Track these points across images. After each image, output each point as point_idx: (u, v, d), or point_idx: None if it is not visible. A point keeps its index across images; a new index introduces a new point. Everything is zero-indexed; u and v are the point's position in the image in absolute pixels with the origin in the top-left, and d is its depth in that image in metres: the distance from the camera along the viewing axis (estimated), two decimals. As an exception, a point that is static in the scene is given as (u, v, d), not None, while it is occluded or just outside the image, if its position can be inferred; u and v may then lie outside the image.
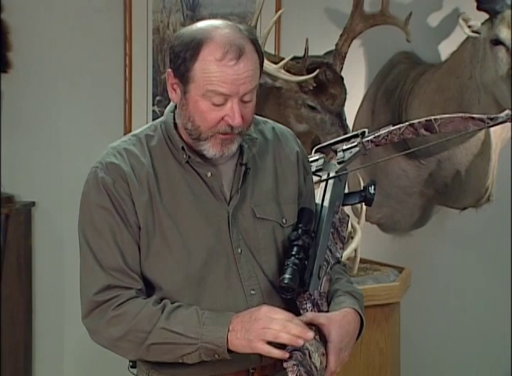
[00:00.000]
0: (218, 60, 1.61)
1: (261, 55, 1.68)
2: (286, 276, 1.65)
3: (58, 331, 2.95)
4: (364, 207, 2.87)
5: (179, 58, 1.64)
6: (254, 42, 1.66)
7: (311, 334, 1.58)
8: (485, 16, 2.93)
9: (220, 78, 1.61)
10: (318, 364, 1.60)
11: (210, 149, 1.67)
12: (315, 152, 1.94)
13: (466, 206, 3.38)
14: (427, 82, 3.15)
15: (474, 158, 3.22)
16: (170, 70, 1.68)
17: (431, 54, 3.36)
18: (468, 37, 2.97)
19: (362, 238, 2.86)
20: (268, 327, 1.58)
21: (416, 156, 3.23)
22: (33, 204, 2.86)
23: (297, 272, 1.66)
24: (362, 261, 2.96)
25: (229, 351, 1.61)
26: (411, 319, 3.22)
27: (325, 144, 1.95)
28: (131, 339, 1.64)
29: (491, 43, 2.88)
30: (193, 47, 1.62)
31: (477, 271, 3.66)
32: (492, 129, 3.15)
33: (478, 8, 2.94)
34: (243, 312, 1.63)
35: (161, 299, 1.67)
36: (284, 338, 1.57)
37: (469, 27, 2.91)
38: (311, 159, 1.90)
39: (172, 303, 1.66)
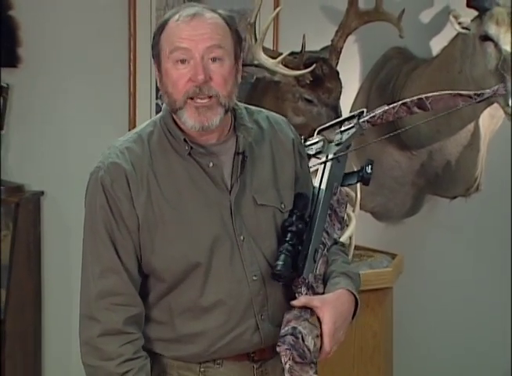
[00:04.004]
0: (175, 21, 1.67)
1: (234, 30, 1.71)
2: (279, 262, 1.67)
3: (66, 315, 2.92)
4: (359, 196, 2.89)
5: (153, 40, 1.72)
6: (225, 17, 1.70)
7: None
8: (475, 13, 2.97)
9: (177, 35, 1.66)
10: (311, 346, 1.62)
11: (188, 119, 1.69)
12: (318, 133, 1.94)
13: (456, 195, 3.41)
14: (419, 77, 3.17)
15: (463, 149, 3.24)
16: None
17: (423, 49, 3.38)
18: (458, 34, 3.01)
19: (357, 226, 2.87)
20: None
21: (408, 147, 3.26)
22: (42, 193, 2.86)
23: (290, 258, 1.68)
24: (357, 248, 2.98)
25: None
26: (403, 303, 3.23)
27: (327, 125, 1.95)
28: (88, 371, 1.72)
29: (480, 39, 2.92)
30: (161, 24, 1.71)
31: (466, 257, 3.69)
32: (480, 121, 3.19)
33: (468, 5, 2.97)
34: None
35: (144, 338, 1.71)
36: None
37: (459, 23, 2.94)
38: (311, 142, 1.91)
39: (138, 372, 1.67)
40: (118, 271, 1.69)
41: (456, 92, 1.78)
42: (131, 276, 1.71)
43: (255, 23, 2.69)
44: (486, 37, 2.91)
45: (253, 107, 1.88)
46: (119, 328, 1.68)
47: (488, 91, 1.73)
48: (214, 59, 1.68)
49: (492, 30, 2.90)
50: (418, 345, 3.63)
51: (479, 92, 1.74)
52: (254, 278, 1.73)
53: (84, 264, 1.74)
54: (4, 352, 2.75)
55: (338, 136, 1.87)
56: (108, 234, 1.69)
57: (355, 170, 1.85)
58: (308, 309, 1.68)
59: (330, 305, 1.69)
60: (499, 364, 3.80)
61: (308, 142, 1.92)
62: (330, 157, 1.83)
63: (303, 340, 1.62)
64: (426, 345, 3.67)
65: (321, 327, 1.67)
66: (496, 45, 2.89)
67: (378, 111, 1.85)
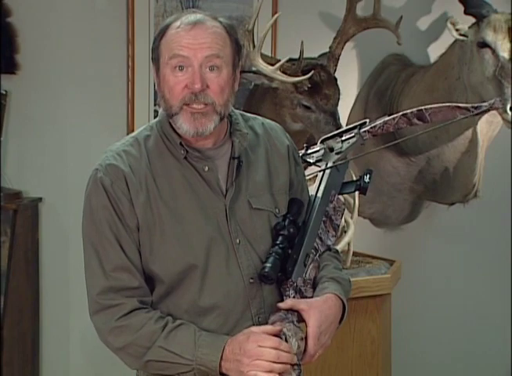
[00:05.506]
0: (176, 28, 1.69)
1: (233, 39, 1.73)
2: (267, 265, 1.70)
3: (64, 322, 2.96)
4: (357, 202, 2.90)
5: (154, 43, 1.74)
6: (226, 26, 1.72)
7: (295, 359, 1.63)
8: (472, 19, 2.98)
9: (177, 42, 1.68)
10: (295, 348, 1.65)
11: (182, 124, 1.71)
12: (321, 142, 1.96)
13: (454, 201, 3.41)
14: (417, 83, 3.18)
15: (461, 156, 3.24)
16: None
17: (421, 56, 3.39)
18: (456, 40, 3.02)
19: (355, 232, 2.88)
20: (260, 358, 1.61)
21: (406, 154, 3.27)
22: (40, 199, 2.86)
23: (279, 261, 1.71)
24: (355, 254, 2.99)
25: (222, 373, 1.64)
26: (402, 309, 3.24)
27: (331, 134, 1.97)
28: (130, 352, 1.69)
29: (477, 46, 2.93)
30: (162, 28, 1.73)
31: (464, 263, 3.69)
32: (478, 128, 3.19)
33: (466, 12, 2.99)
34: (235, 339, 1.65)
35: (168, 314, 1.71)
36: (278, 369, 1.61)
37: (457, 30, 2.95)
38: (312, 150, 1.94)
39: (174, 321, 1.69)
40: (128, 268, 1.71)
41: (455, 104, 1.83)
42: (140, 271, 1.73)
43: (253, 29, 2.69)
44: (484, 44, 2.92)
45: (248, 114, 1.90)
46: (137, 306, 1.70)
47: (485, 104, 1.78)
48: (211, 68, 1.70)
49: (490, 36, 2.91)
50: (416, 351, 3.63)
51: (476, 105, 1.79)
52: (251, 281, 1.75)
53: (89, 265, 1.74)
54: (2, 359, 2.75)
55: (339, 145, 1.90)
56: (113, 233, 1.71)
57: (354, 179, 1.87)
58: (294, 311, 1.70)
59: (316, 309, 1.70)
60: (499, 370, 3.80)
61: (310, 151, 1.94)
62: (330, 165, 1.86)
63: (286, 341, 1.65)
64: (424, 351, 3.67)
65: (306, 330, 1.69)
66: (494, 51, 2.90)
67: (379, 122, 1.88)
